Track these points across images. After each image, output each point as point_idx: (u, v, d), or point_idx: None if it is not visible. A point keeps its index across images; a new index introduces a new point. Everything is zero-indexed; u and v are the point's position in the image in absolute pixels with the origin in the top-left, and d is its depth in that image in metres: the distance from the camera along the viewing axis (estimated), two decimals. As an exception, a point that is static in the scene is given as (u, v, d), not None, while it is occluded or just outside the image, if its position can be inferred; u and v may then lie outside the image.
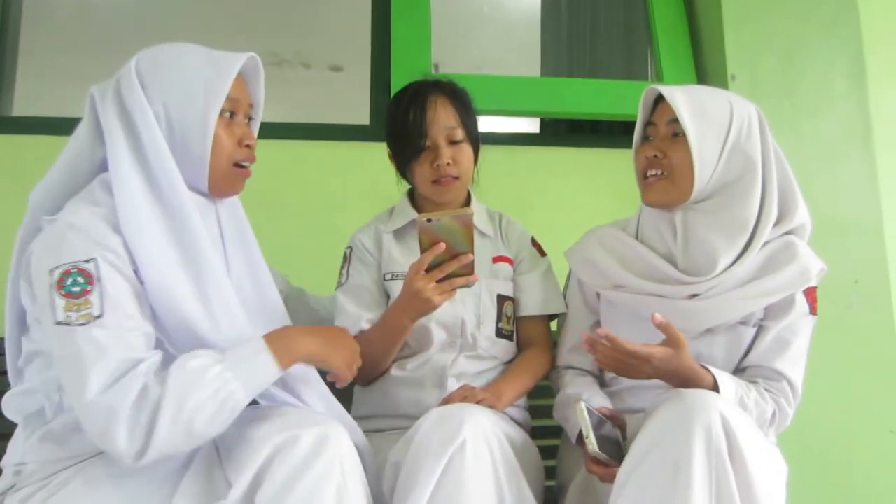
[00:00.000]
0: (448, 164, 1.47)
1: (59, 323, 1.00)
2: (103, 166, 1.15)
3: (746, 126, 1.34)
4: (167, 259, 1.10)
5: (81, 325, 1.00)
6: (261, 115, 1.31)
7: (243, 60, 1.20)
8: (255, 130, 1.30)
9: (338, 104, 2.33)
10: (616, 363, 1.23)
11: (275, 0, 3.91)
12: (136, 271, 1.07)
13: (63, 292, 1.01)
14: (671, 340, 1.20)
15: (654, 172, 1.37)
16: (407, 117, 1.48)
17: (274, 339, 1.09)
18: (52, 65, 4.07)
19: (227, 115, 1.20)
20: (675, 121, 1.33)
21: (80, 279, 1.02)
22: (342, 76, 4.55)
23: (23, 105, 2.40)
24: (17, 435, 1.16)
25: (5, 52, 2.30)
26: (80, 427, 1.03)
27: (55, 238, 1.06)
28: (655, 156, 1.36)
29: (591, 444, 1.12)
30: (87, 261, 1.03)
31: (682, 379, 1.22)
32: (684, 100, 1.32)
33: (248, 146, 1.23)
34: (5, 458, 1.16)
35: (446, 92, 1.52)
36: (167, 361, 1.03)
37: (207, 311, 1.11)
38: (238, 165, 1.23)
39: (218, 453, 1.08)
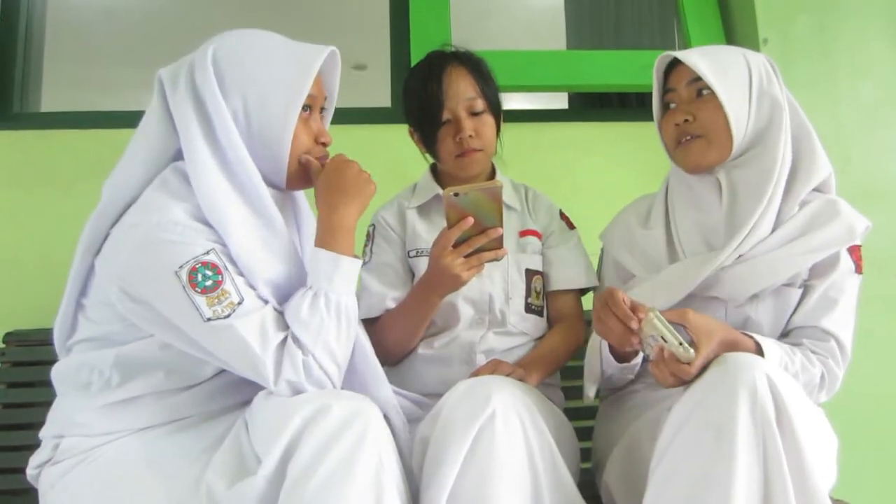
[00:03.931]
0: (470, 136, 1.43)
1: (209, 320, 1.02)
2: (177, 155, 1.14)
3: (765, 71, 1.32)
4: (252, 250, 1.09)
5: (228, 315, 1.03)
6: (333, 108, 1.30)
7: (324, 57, 1.18)
8: (328, 122, 1.29)
9: (363, 100, 2.32)
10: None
11: (295, 2, 3.93)
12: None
13: (199, 289, 1.02)
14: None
15: (686, 138, 1.33)
16: (424, 91, 1.44)
17: (331, 241, 1.13)
18: (74, 72, 4.14)
19: (305, 111, 1.19)
20: (695, 80, 1.31)
21: (209, 272, 1.03)
22: (366, 74, 4.56)
23: (49, 107, 2.44)
24: (58, 407, 1.18)
25: (31, 52, 2.34)
26: (129, 402, 1.11)
27: (158, 239, 1.04)
28: (686, 120, 1.32)
29: (679, 346, 1.07)
30: (207, 253, 1.05)
31: (723, 343, 1.15)
32: (701, 58, 1.29)
33: (323, 143, 1.22)
34: (44, 429, 1.17)
35: (463, 62, 1.48)
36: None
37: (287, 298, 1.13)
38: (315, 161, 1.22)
39: (247, 429, 1.08)
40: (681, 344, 1.08)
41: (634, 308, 1.14)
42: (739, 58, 1.32)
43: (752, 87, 1.30)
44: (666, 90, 1.38)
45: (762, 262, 1.25)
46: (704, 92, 1.31)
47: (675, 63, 1.36)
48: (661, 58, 1.37)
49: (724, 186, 1.31)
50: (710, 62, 1.29)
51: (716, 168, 1.33)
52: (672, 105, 1.36)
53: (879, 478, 1.98)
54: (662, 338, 1.09)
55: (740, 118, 1.28)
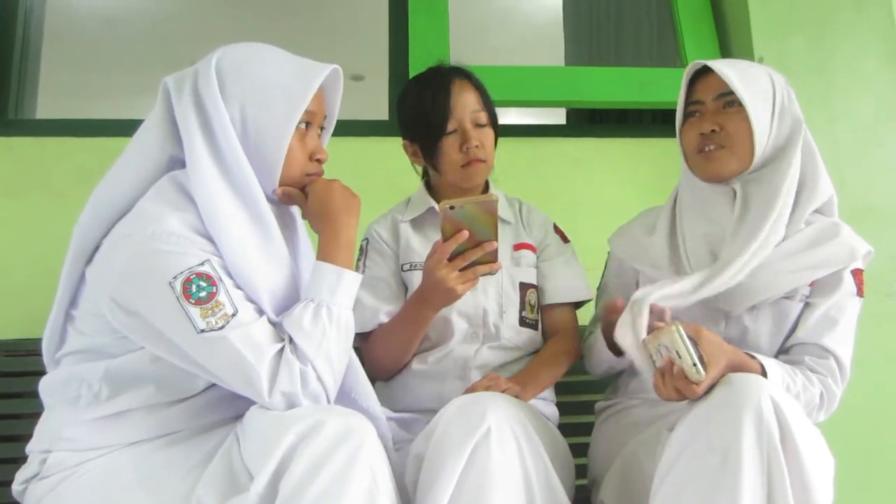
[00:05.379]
0: (476, 146, 1.43)
1: (203, 331, 1.01)
2: (171, 164, 1.14)
3: (786, 90, 1.35)
4: (250, 257, 1.08)
5: (222, 327, 1.02)
6: (332, 127, 1.29)
7: (327, 73, 1.18)
8: (326, 141, 1.28)
9: (360, 111, 2.32)
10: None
11: (293, 12, 3.93)
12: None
13: (192, 301, 1.02)
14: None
15: (710, 147, 1.34)
16: (431, 100, 1.44)
17: (335, 256, 1.13)
18: (71, 78, 4.13)
19: (303, 126, 1.18)
20: (724, 94, 1.33)
21: (203, 283, 1.03)
22: (363, 85, 4.58)
23: (45, 113, 2.44)
24: (46, 421, 1.16)
25: (28, 58, 2.33)
26: (118, 416, 1.09)
27: (153, 250, 1.03)
28: (713, 130, 1.33)
29: (692, 366, 1.05)
30: (202, 264, 1.03)
31: (729, 365, 1.15)
32: (731, 70, 1.32)
33: (318, 160, 1.22)
34: (31, 444, 1.15)
35: (467, 76, 1.50)
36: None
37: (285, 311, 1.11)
38: (307, 176, 1.21)
39: (239, 444, 1.06)
40: (694, 364, 1.06)
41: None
42: (765, 74, 1.35)
43: (776, 103, 1.32)
44: (692, 101, 1.39)
45: (763, 274, 1.27)
46: (731, 104, 1.33)
47: (701, 72, 1.37)
48: (690, 66, 1.39)
49: (739, 197, 1.33)
50: (740, 75, 1.31)
51: (732, 179, 1.35)
52: (697, 114, 1.38)
53: (873, 497, 1.97)
54: (677, 352, 1.08)
55: (763, 131, 1.31)
